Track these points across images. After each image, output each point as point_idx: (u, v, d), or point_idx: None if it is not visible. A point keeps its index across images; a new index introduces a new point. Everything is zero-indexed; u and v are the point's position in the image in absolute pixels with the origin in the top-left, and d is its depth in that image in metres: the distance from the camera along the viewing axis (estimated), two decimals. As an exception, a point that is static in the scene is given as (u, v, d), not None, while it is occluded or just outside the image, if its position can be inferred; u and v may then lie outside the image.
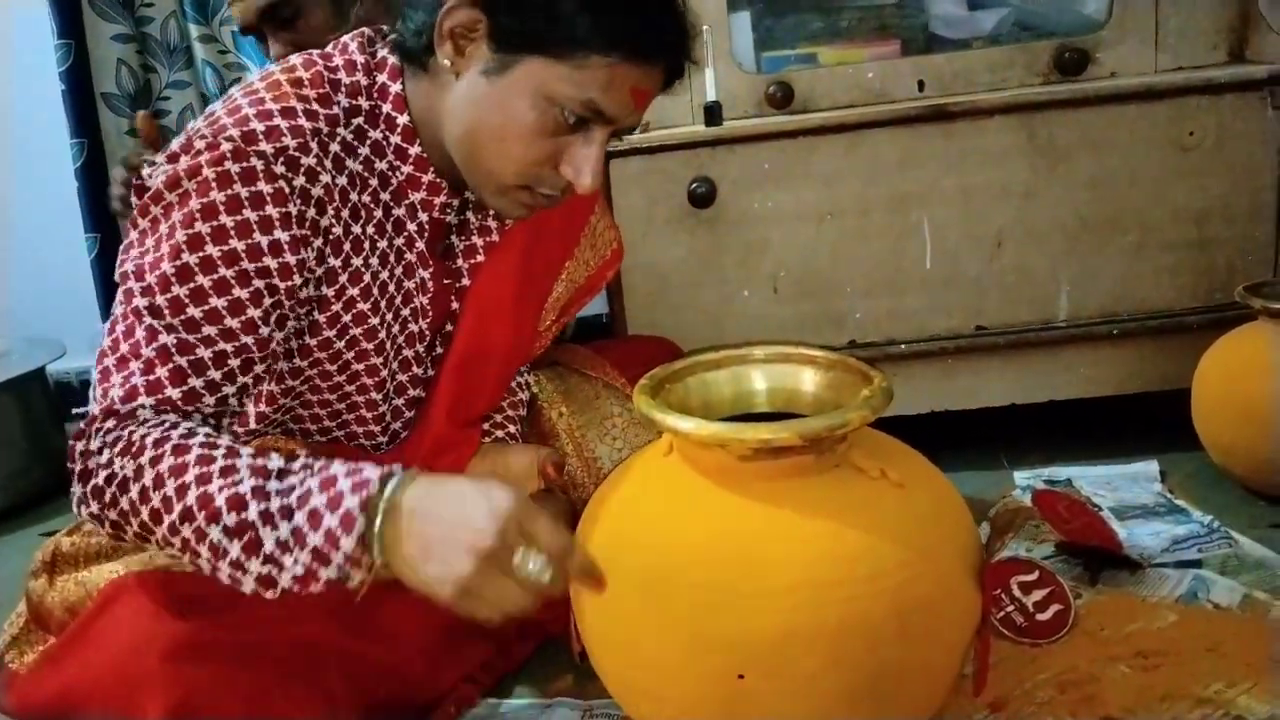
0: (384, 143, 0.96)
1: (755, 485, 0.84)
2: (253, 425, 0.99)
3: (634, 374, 1.01)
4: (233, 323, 0.86)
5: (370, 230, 0.96)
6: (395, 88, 0.95)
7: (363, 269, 0.95)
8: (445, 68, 0.91)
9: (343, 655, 0.91)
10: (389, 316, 1.00)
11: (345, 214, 0.93)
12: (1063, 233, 1.50)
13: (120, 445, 0.81)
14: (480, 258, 1.06)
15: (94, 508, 0.82)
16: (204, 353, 0.86)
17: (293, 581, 0.77)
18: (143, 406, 0.84)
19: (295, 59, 0.94)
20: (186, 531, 0.78)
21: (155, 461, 0.79)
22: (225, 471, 0.78)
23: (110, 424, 0.83)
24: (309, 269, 0.91)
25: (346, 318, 0.96)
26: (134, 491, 0.80)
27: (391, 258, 0.99)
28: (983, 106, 1.48)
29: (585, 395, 1.22)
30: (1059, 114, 1.47)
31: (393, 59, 0.96)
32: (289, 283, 0.89)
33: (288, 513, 0.77)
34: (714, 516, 0.84)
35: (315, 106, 0.91)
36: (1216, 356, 1.40)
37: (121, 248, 0.90)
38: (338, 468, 0.79)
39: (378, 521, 0.75)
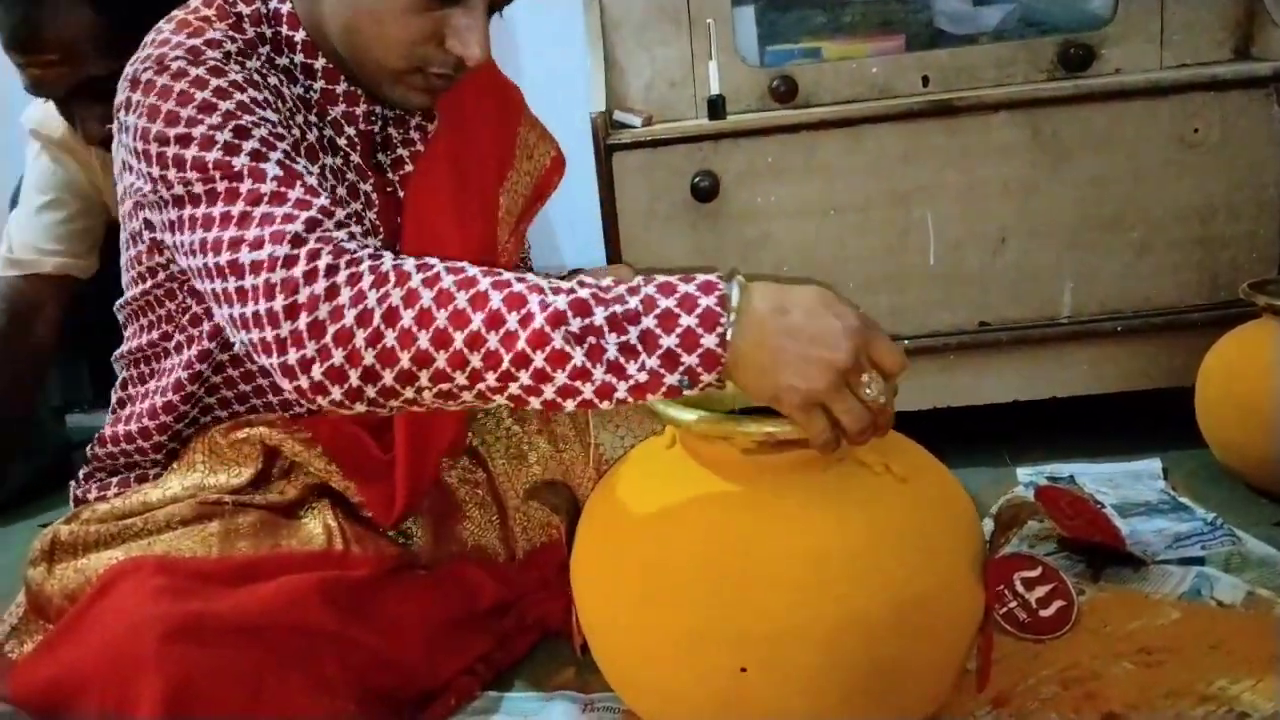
0: (293, 66, 0.96)
1: (758, 479, 0.83)
2: (187, 388, 0.98)
3: None
4: (302, 164, 0.86)
5: (314, 143, 0.96)
6: (285, 7, 0.96)
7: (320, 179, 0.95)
8: None
9: (341, 642, 0.91)
10: None
11: (285, 112, 0.93)
12: (1066, 229, 1.50)
13: (367, 277, 0.75)
14: (409, 168, 1.05)
15: (336, 358, 0.75)
16: (310, 179, 0.84)
17: (629, 391, 0.74)
18: (315, 220, 0.79)
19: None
20: (494, 342, 0.73)
21: (431, 282, 0.75)
22: (524, 280, 0.75)
23: (326, 259, 0.76)
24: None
25: None
26: (407, 319, 0.74)
27: (337, 176, 0.99)
28: (987, 102, 1.47)
29: None
30: (1063, 110, 1.47)
31: None
32: (289, 138, 0.89)
33: (634, 317, 0.73)
34: (716, 510, 0.83)
35: (231, 32, 0.92)
36: (1220, 354, 1.40)
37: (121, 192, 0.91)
38: (665, 277, 0.75)
39: (733, 322, 0.73)
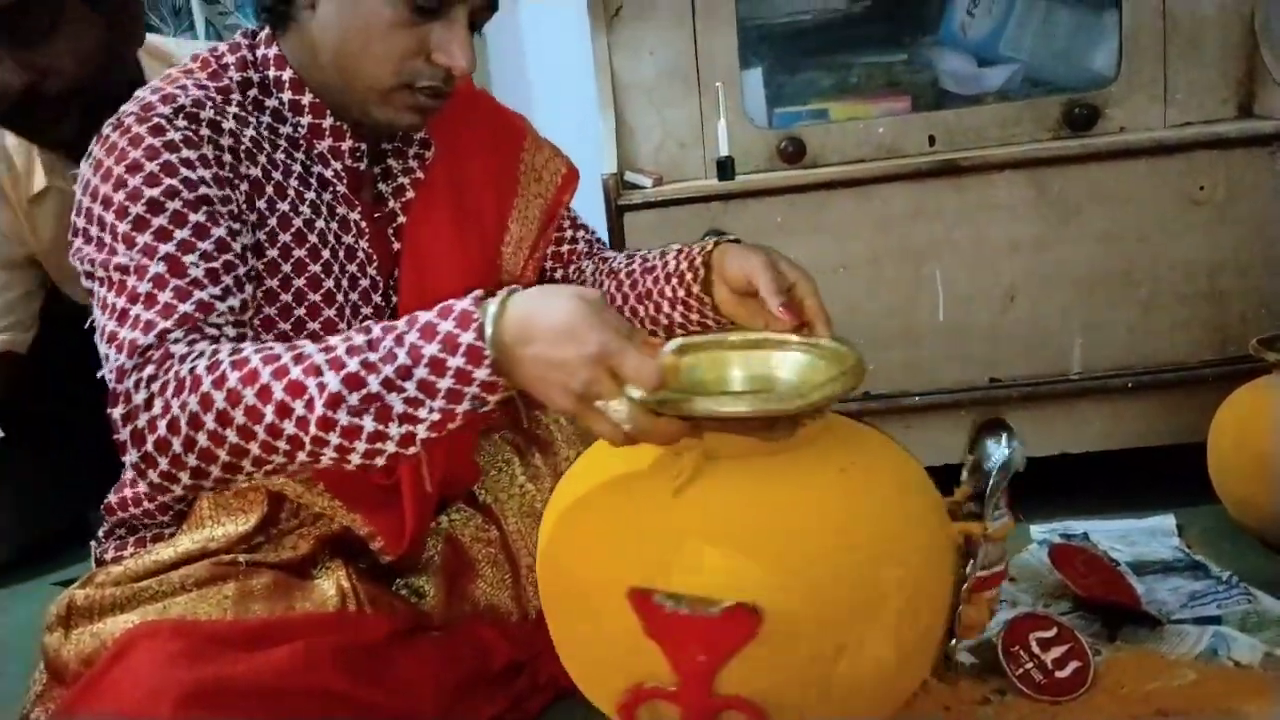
0: (281, 106, 1.01)
1: (709, 465, 0.83)
2: None
3: None
4: (206, 245, 0.89)
5: (294, 183, 0.99)
6: (272, 51, 1.01)
7: (291, 215, 0.98)
8: (302, 5, 0.97)
9: (355, 705, 0.91)
10: (335, 269, 1.01)
11: (262, 160, 0.97)
12: (1075, 286, 1.51)
13: (170, 387, 0.80)
14: (411, 194, 1.08)
15: (163, 464, 0.80)
16: (195, 271, 0.88)
17: (430, 429, 0.78)
18: (166, 332, 0.84)
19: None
20: (291, 428, 0.77)
21: (219, 383, 0.79)
22: (302, 359, 0.78)
23: (148, 371, 0.81)
24: (239, 209, 0.94)
25: (286, 267, 0.98)
26: (209, 421, 0.78)
27: (324, 210, 1.01)
28: (993, 161, 1.49)
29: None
30: (1069, 169, 1.49)
31: (264, 31, 1.02)
32: (229, 208, 0.92)
33: (406, 372, 0.77)
34: (657, 499, 0.83)
35: (205, 81, 0.97)
36: (1231, 410, 1.40)
37: (73, 250, 0.93)
38: (424, 316, 0.79)
39: (493, 353, 0.76)
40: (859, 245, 1.51)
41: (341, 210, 1.03)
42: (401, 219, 1.09)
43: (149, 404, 0.80)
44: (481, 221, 1.16)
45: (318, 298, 1.00)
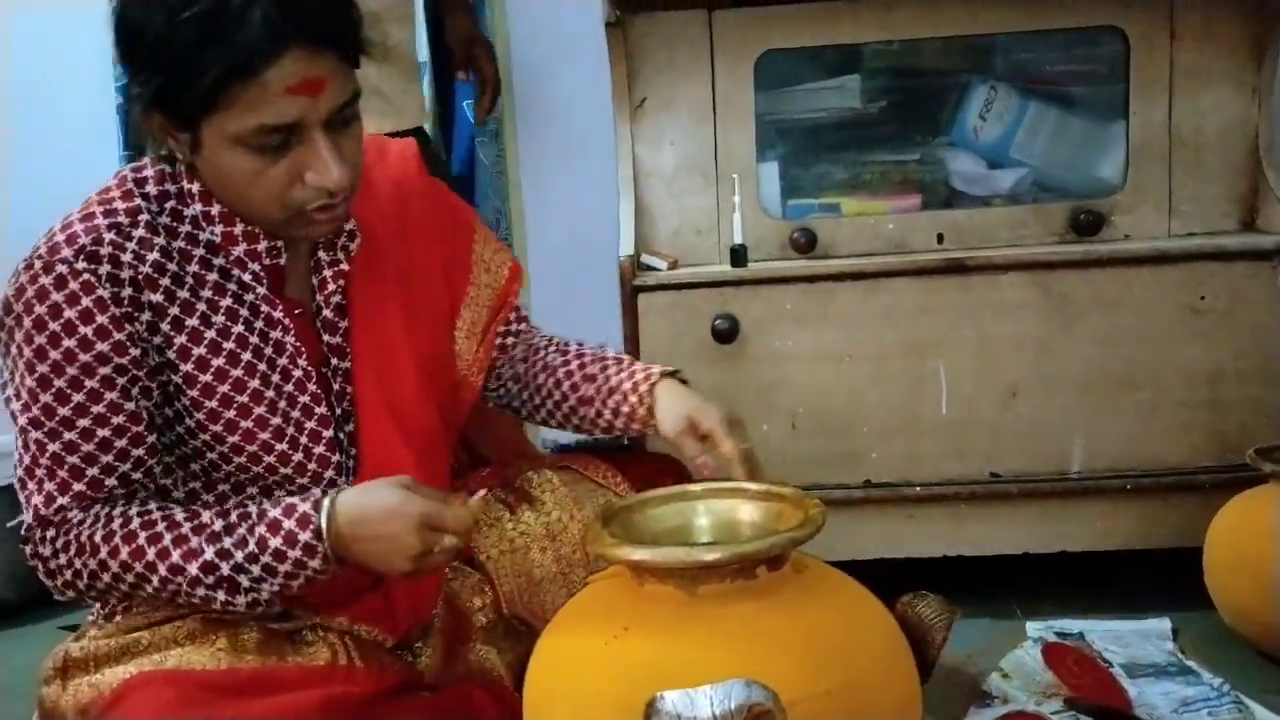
0: (198, 216, 1.03)
1: (682, 610, 0.88)
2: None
3: (640, 486, 1.15)
4: (99, 408, 0.97)
5: (207, 293, 1.03)
6: (182, 167, 1.03)
7: (202, 328, 1.01)
8: (183, 161, 1.01)
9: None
10: (262, 366, 1.03)
11: (165, 282, 1.00)
12: (1076, 387, 1.54)
13: (73, 548, 0.97)
14: (331, 287, 1.09)
15: (71, 595, 1.00)
16: (88, 446, 0.98)
17: (272, 596, 0.97)
18: (63, 507, 0.98)
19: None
20: (172, 588, 0.97)
21: (114, 554, 0.96)
22: (180, 541, 0.96)
23: (50, 533, 0.98)
24: (142, 339, 0.99)
25: (206, 376, 1.01)
26: (106, 576, 0.97)
27: (244, 312, 1.04)
28: (999, 262, 1.54)
29: (595, 502, 1.24)
30: (1074, 273, 1.53)
31: None
32: (128, 357, 0.98)
33: (254, 559, 0.95)
34: (654, 637, 0.87)
35: (117, 204, 1.01)
36: (1227, 518, 1.41)
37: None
38: (273, 511, 0.96)
39: (328, 544, 0.95)
40: (865, 336, 1.55)
41: (265, 309, 1.05)
42: (327, 313, 1.10)
43: (56, 555, 0.98)
44: (433, 307, 1.18)
45: (244, 398, 1.02)
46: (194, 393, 1.01)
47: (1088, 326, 1.53)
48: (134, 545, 0.95)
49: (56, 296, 0.96)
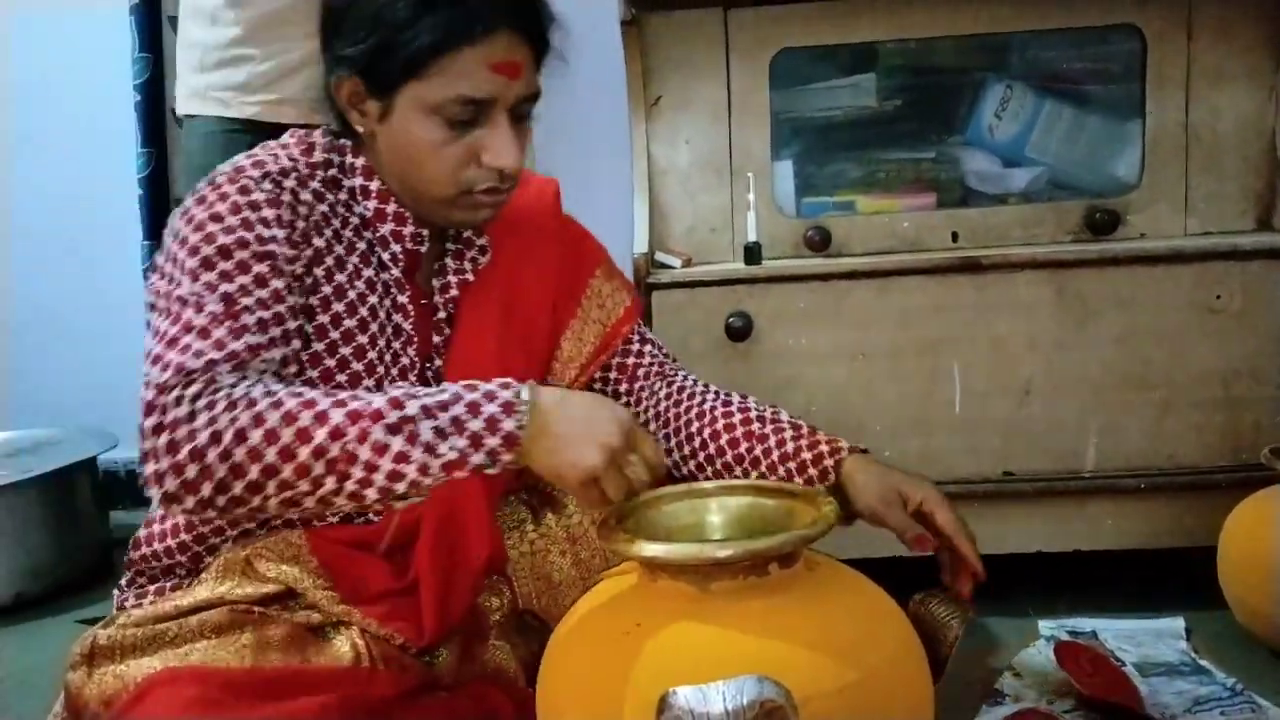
0: (356, 189, 1.09)
1: (695, 606, 0.89)
2: None
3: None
4: (263, 293, 0.97)
5: (355, 259, 1.07)
6: (349, 143, 1.10)
7: (347, 286, 1.06)
8: (363, 133, 1.07)
9: (366, 758, 0.93)
10: (380, 342, 1.08)
11: (328, 233, 1.05)
12: (1091, 386, 1.54)
13: (220, 405, 0.87)
14: (454, 293, 1.15)
15: (189, 473, 0.86)
16: (248, 318, 0.95)
17: (443, 469, 0.88)
18: (214, 362, 0.91)
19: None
20: (336, 450, 0.86)
21: (275, 405, 0.87)
22: (354, 398, 0.89)
23: (193, 389, 0.88)
24: (304, 268, 1.02)
25: (334, 333, 1.04)
26: (255, 436, 0.86)
27: (379, 287, 1.09)
28: (1013, 261, 1.53)
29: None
30: (1088, 271, 1.52)
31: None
32: (295, 267, 1.00)
33: (444, 406, 0.88)
34: (668, 632, 0.88)
35: (297, 155, 1.07)
36: (1242, 517, 1.41)
37: (148, 284, 1.02)
38: (463, 384, 0.92)
39: (525, 412, 0.89)
40: (879, 335, 1.55)
41: (395, 291, 1.11)
42: (441, 314, 1.15)
43: (191, 416, 0.87)
44: (531, 333, 1.21)
45: (360, 366, 1.06)
46: (319, 345, 1.05)
47: (1102, 325, 1.53)
48: (302, 398, 0.88)
49: (237, 198, 1.00)
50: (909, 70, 1.80)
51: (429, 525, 1.10)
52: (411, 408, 0.87)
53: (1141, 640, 1.43)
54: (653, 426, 1.23)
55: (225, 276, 0.96)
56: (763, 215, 1.61)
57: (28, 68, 2.43)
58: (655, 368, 1.28)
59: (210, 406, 0.87)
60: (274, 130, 1.61)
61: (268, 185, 1.01)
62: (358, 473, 0.87)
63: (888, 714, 0.87)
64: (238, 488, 0.86)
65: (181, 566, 1.10)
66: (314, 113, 1.51)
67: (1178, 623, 1.46)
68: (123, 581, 1.14)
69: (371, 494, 0.88)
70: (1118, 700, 1.21)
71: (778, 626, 0.87)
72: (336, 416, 0.87)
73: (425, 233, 1.11)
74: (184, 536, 1.09)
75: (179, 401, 0.88)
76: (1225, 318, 1.51)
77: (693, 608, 0.89)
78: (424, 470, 0.87)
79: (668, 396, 1.25)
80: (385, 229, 1.09)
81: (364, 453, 0.86)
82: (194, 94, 1.69)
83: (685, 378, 1.27)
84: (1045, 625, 1.48)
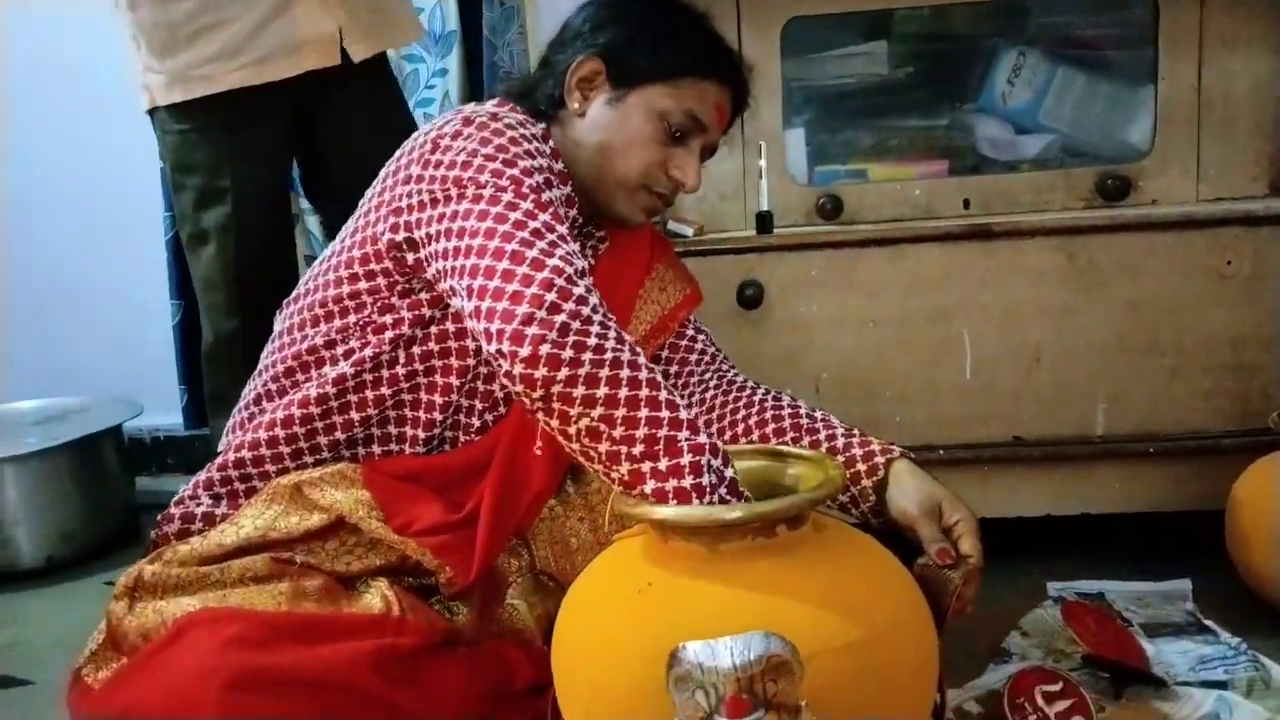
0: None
1: (704, 566, 0.92)
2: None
3: None
4: (559, 218, 1.06)
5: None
6: (542, 139, 1.20)
7: None
8: (571, 111, 1.20)
9: (386, 706, 0.97)
10: None
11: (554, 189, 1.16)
12: (1100, 352, 1.55)
13: (612, 330, 0.98)
14: None
15: (565, 355, 0.94)
16: (568, 245, 1.03)
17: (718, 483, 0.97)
18: (581, 277, 1.00)
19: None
20: (663, 432, 0.95)
21: (634, 364, 0.97)
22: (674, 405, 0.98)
23: (581, 286, 0.98)
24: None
25: None
26: (624, 368, 0.96)
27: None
28: (1025, 227, 1.54)
29: None
30: (1099, 238, 1.53)
31: None
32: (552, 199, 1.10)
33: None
34: (679, 590, 0.91)
35: (521, 115, 1.19)
36: (1250, 482, 1.42)
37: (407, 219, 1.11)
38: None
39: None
40: (890, 302, 1.56)
41: None
42: None
43: (596, 309, 0.97)
44: (621, 313, 1.27)
45: None
46: None
47: (1112, 292, 1.54)
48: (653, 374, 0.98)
49: (513, 134, 1.11)
50: (921, 37, 1.79)
51: (501, 459, 1.16)
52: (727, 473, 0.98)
53: (1149, 602, 1.45)
54: (699, 412, 1.28)
55: (536, 190, 1.07)
56: (775, 184, 1.62)
57: (52, 36, 2.45)
58: (707, 358, 1.34)
59: (607, 322, 0.98)
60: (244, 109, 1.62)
61: (526, 130, 1.14)
62: (657, 464, 0.95)
63: (893, 670, 0.90)
64: (577, 391, 0.94)
65: (253, 479, 1.17)
66: (302, 61, 1.56)
67: (1184, 585, 1.48)
68: (159, 517, 1.18)
69: (616, 474, 0.97)
70: (1123, 659, 1.23)
71: (785, 585, 0.89)
72: (664, 401, 0.97)
73: (579, 219, 1.23)
74: (275, 447, 1.17)
75: (590, 291, 0.99)
76: (1235, 283, 1.52)
77: (703, 568, 0.92)
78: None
79: (717, 385, 1.31)
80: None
81: (662, 462, 0.95)
82: (173, 79, 1.64)
83: (737, 374, 1.33)
84: (1053, 587, 1.50)
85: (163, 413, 2.36)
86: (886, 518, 1.13)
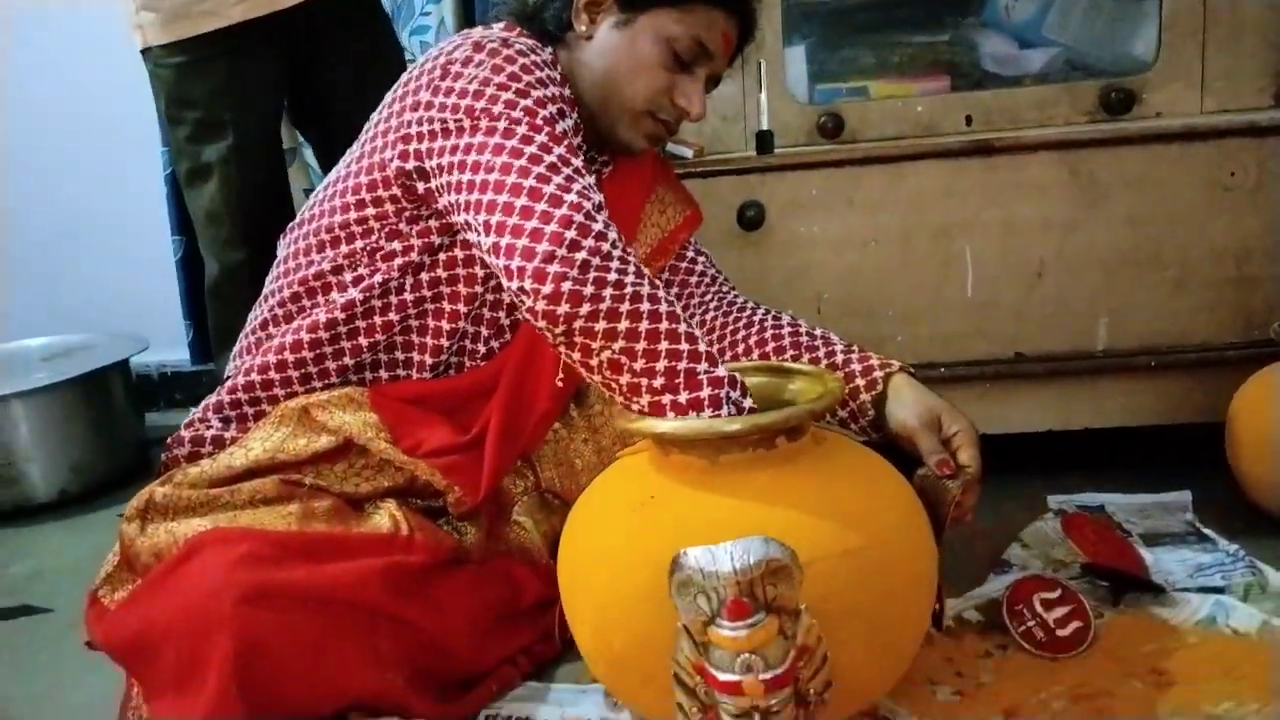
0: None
1: (705, 478, 0.93)
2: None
3: None
4: (563, 148, 1.05)
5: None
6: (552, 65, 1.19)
7: None
8: (578, 34, 1.19)
9: (395, 622, 0.99)
10: None
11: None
12: (1102, 266, 1.54)
13: (631, 268, 0.98)
14: None
15: (588, 291, 0.96)
16: (583, 179, 1.03)
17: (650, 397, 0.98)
18: (599, 211, 1.01)
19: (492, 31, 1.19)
20: (682, 365, 0.97)
21: (654, 298, 0.98)
22: (694, 338, 1.00)
23: (614, 236, 0.99)
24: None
25: None
26: (626, 305, 0.96)
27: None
28: (1027, 142, 1.53)
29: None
30: (1103, 151, 1.52)
31: None
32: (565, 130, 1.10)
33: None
34: (682, 501, 0.93)
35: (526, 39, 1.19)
36: (1251, 392, 1.43)
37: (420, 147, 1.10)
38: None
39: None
40: (892, 220, 1.56)
41: None
42: None
43: (616, 244, 0.98)
44: (625, 232, 1.27)
45: None
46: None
47: (1115, 206, 1.53)
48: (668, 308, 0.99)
49: (524, 60, 1.11)
50: (924, -50, 1.76)
51: (508, 384, 1.18)
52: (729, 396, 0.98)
53: (1149, 513, 1.47)
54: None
55: (549, 120, 1.07)
56: (775, 103, 1.60)
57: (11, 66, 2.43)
58: (707, 280, 1.35)
59: (626, 258, 0.99)
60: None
61: (541, 56, 1.14)
62: (657, 383, 0.97)
63: (891, 577, 0.91)
64: (599, 325, 0.96)
65: (272, 400, 1.18)
66: None
67: (1184, 496, 1.50)
68: (169, 440, 1.20)
69: (637, 405, 0.99)
70: (1121, 567, 1.25)
71: (784, 495, 0.91)
72: (682, 338, 0.98)
73: (584, 146, 1.21)
74: (283, 371, 1.18)
75: (608, 227, 1.00)
76: (1239, 195, 1.51)
77: (703, 479, 0.93)
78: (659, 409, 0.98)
79: (717, 307, 1.32)
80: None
81: (682, 395, 0.96)
82: (172, 16, 1.63)
83: (737, 295, 1.34)
84: (1054, 500, 1.52)
85: (169, 349, 2.38)
86: (886, 431, 1.14)
